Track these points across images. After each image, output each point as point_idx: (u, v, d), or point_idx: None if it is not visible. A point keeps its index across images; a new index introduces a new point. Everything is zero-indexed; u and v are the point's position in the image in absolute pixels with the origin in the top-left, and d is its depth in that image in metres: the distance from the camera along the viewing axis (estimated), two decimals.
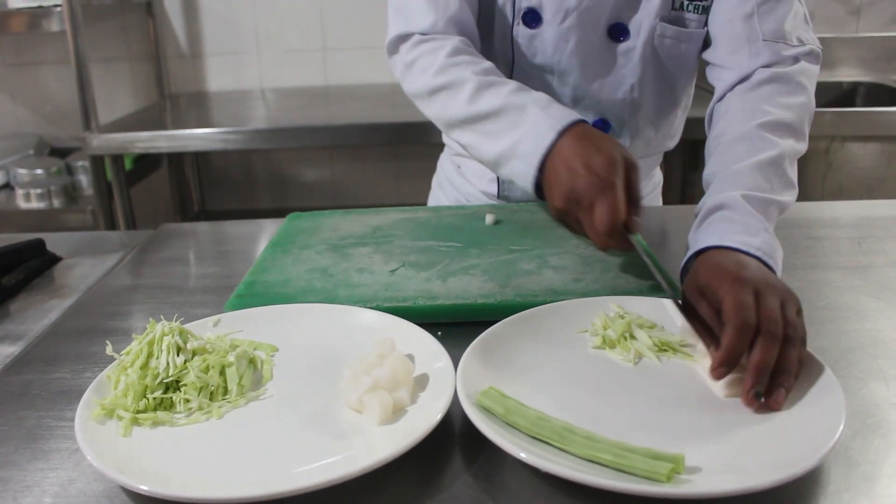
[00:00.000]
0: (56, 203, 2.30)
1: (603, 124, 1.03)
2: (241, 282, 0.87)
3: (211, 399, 0.64)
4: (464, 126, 0.94)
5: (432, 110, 0.98)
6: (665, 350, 0.69)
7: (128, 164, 2.35)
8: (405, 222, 1.05)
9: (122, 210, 2.20)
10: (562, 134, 0.84)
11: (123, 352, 0.67)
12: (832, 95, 2.58)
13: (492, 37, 1.02)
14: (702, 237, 0.76)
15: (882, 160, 2.13)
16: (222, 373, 0.65)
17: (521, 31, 0.99)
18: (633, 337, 0.71)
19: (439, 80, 0.95)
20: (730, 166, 0.84)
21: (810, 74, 0.96)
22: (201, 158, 2.81)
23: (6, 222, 2.36)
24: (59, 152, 2.70)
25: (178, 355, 0.65)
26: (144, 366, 0.64)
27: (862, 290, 0.86)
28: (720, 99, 0.98)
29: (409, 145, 2.65)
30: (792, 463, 0.52)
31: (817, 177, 2.14)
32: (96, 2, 2.38)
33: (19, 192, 2.30)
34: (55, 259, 1.09)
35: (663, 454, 0.53)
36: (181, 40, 2.68)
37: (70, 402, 0.67)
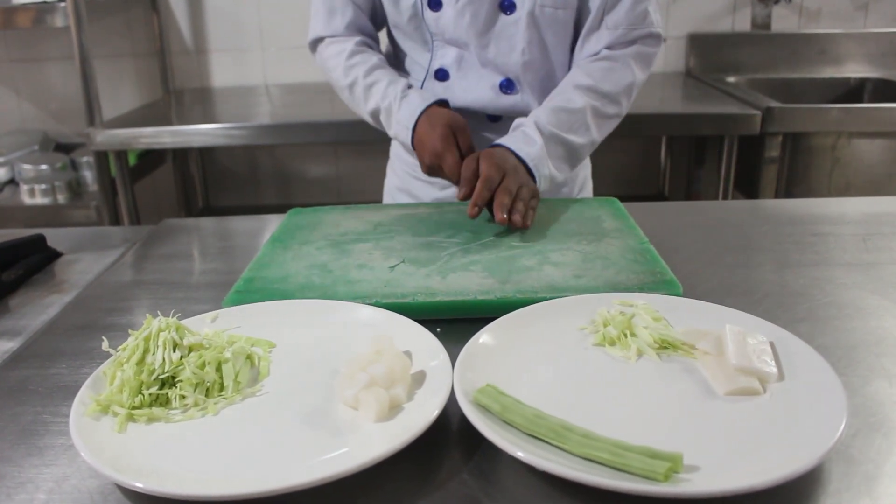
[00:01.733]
0: (60, 199, 2.31)
1: (508, 83, 1.19)
2: (240, 277, 0.87)
3: (207, 395, 0.63)
4: (367, 117, 1.23)
5: (347, 105, 1.26)
6: (665, 347, 0.68)
7: (132, 160, 2.36)
8: (406, 218, 1.04)
9: (126, 206, 2.20)
10: (417, 121, 1.12)
11: (120, 347, 0.67)
12: (839, 91, 2.57)
13: (411, 21, 1.19)
14: (503, 140, 1.09)
15: (889, 157, 2.11)
16: (218, 369, 0.65)
17: (428, 15, 1.17)
18: (632, 334, 0.70)
19: (343, 80, 1.22)
20: (538, 108, 1.13)
21: (644, 55, 1.16)
22: (205, 154, 2.81)
23: (11, 218, 2.37)
24: (64, 148, 2.70)
25: (174, 351, 0.65)
26: (140, 362, 0.64)
27: (866, 287, 0.85)
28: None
29: None
30: (792, 462, 0.51)
31: (824, 173, 2.13)
32: None
33: (23, 187, 2.30)
34: (56, 255, 1.09)
35: (661, 453, 0.52)
36: (185, 36, 2.67)
37: (66, 398, 0.67)
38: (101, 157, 2.17)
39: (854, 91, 2.56)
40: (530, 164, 1.06)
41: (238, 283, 0.85)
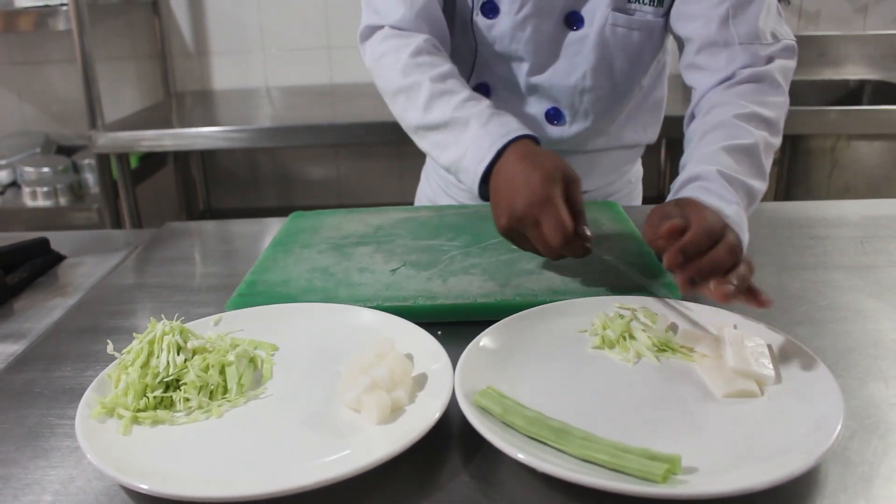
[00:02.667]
0: (62, 201, 2.32)
1: (555, 112, 1.05)
2: (242, 281, 0.88)
3: (211, 398, 0.64)
4: (419, 132, 0.98)
5: (395, 111, 1.02)
6: (664, 350, 0.69)
7: (133, 163, 2.37)
8: (407, 222, 1.05)
9: (128, 208, 2.21)
10: (501, 152, 0.85)
11: (124, 350, 0.67)
12: (838, 94, 2.58)
13: (454, 26, 1.05)
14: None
15: (889, 159, 2.12)
16: (222, 372, 0.66)
17: (480, 21, 1.02)
18: (632, 337, 0.71)
19: (400, 81, 0.97)
20: (705, 149, 0.87)
21: (786, 70, 0.97)
22: (207, 157, 2.82)
23: (13, 220, 2.38)
24: (66, 150, 2.71)
25: (178, 354, 0.65)
26: (145, 364, 0.65)
27: (864, 290, 0.86)
28: (699, 100, 0.99)
29: (415, 144, 2.65)
30: (789, 463, 0.52)
31: (823, 175, 2.14)
32: (102, 0, 2.39)
33: (25, 190, 2.31)
34: (59, 258, 1.09)
35: (660, 455, 0.53)
36: (187, 39, 2.68)
37: (72, 400, 0.68)
38: (103, 159, 2.18)
39: (853, 93, 2.57)
40: (738, 231, 0.75)
41: (240, 287, 0.86)
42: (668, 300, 0.77)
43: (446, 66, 0.98)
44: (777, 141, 0.92)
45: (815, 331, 0.77)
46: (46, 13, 2.17)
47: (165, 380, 0.64)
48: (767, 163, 0.89)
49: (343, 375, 0.65)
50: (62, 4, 2.12)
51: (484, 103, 0.93)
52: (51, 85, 2.75)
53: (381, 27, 1.03)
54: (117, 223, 2.26)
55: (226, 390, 0.65)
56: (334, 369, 0.68)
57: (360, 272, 0.88)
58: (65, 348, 0.79)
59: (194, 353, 0.67)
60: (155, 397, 0.63)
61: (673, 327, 0.73)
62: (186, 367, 0.65)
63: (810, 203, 1.18)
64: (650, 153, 2.80)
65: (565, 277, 0.84)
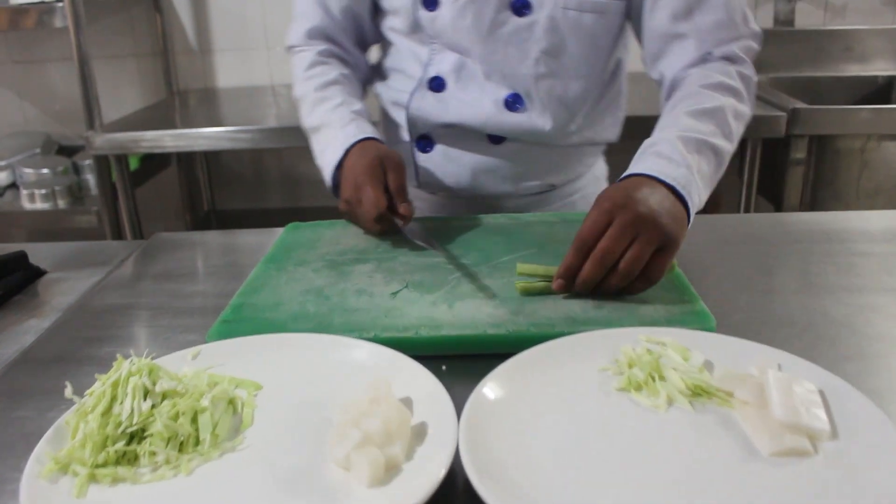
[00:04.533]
0: (61, 204, 2.25)
1: (514, 98, 1.03)
2: (228, 304, 0.80)
3: (180, 451, 0.56)
4: (309, 137, 1.09)
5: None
6: (699, 394, 0.61)
7: (135, 163, 2.30)
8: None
9: (127, 211, 2.14)
10: (348, 151, 0.99)
11: (87, 392, 0.60)
12: (867, 91, 2.47)
13: (406, 23, 1.05)
14: (629, 169, 0.84)
15: None
16: (194, 420, 0.58)
17: (423, 15, 1.02)
18: (661, 377, 0.62)
19: (296, 93, 1.11)
20: (668, 116, 0.92)
21: (751, 51, 1.00)
22: (211, 157, 2.75)
23: (12, 223, 2.32)
24: (67, 151, 2.64)
25: (144, 399, 0.58)
26: (107, 411, 0.57)
27: None
28: (669, 84, 1.01)
29: None
30: None
31: (851, 178, 2.04)
32: None
33: (23, 192, 2.25)
34: (39, 272, 1.02)
35: None
36: (189, 36, 2.61)
37: (29, 447, 0.60)
38: (102, 161, 2.11)
39: (882, 90, 2.46)
40: (682, 192, 0.79)
41: (226, 311, 0.78)
42: (700, 332, 0.68)
43: (333, 73, 1.09)
44: (746, 109, 0.95)
45: (866, 367, 0.68)
46: (45, 10, 2.10)
47: (129, 430, 0.56)
48: (737, 126, 0.92)
49: (333, 426, 0.57)
50: (58, 1, 2.05)
51: (348, 109, 1.04)
52: (51, 84, 2.68)
53: (291, 48, 1.16)
54: (117, 226, 2.19)
55: (198, 441, 0.57)
56: (323, 414, 0.60)
57: (357, 295, 0.80)
58: (29, 383, 0.72)
59: (164, 397, 0.59)
60: (116, 451, 0.55)
61: (708, 366, 0.65)
62: (153, 414, 0.57)
63: (849, 214, 1.08)
64: None
65: (585, 304, 0.75)
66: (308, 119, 1.08)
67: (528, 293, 0.78)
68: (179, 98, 2.58)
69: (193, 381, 0.63)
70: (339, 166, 1.00)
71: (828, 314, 0.78)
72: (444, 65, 1.04)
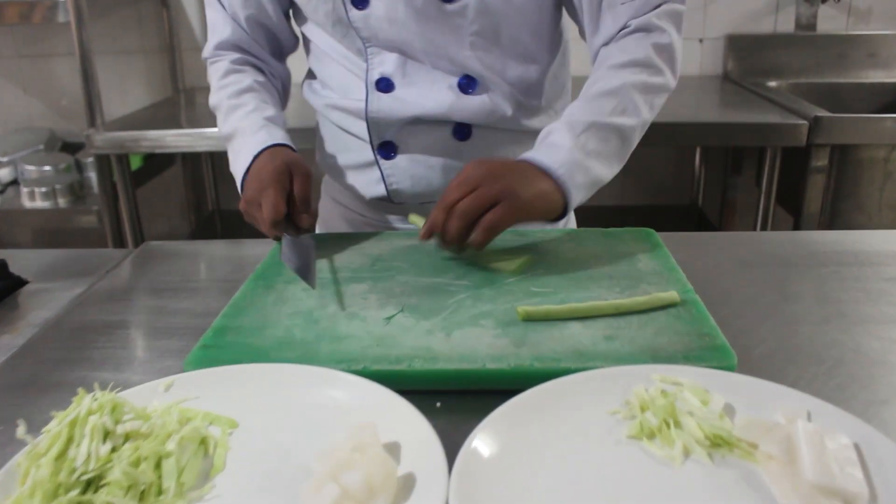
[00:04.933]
0: (61, 203, 2.21)
1: (467, 81, 1.00)
2: (210, 326, 0.74)
3: (141, 501, 0.50)
4: (226, 145, 1.06)
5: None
6: (719, 445, 0.55)
7: (138, 162, 2.25)
8: (411, 252, 0.91)
9: (128, 212, 2.09)
10: (257, 156, 0.97)
11: (44, 430, 0.54)
12: (889, 98, 2.39)
13: (337, 28, 1.01)
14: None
15: None
16: (158, 466, 0.52)
17: (354, 15, 0.98)
18: (677, 424, 0.56)
19: (210, 101, 1.10)
20: (575, 99, 0.94)
21: (674, 13, 0.97)
22: (216, 156, 2.69)
23: (14, 222, 2.28)
24: (72, 147, 2.60)
25: (104, 442, 0.52)
26: (61, 455, 0.51)
27: None
28: (593, 65, 1.00)
29: None
30: None
31: (874, 189, 1.96)
32: None
33: (24, 190, 2.21)
34: (19, 283, 0.97)
35: None
36: (197, 32, 2.56)
37: None
38: (103, 159, 2.06)
39: None
40: (558, 173, 0.85)
41: (206, 336, 0.72)
42: (720, 372, 0.62)
43: (247, 81, 1.07)
44: (659, 80, 0.94)
45: None
46: (49, 5, 2.05)
47: (84, 477, 0.50)
48: (646, 98, 0.92)
49: (310, 477, 0.51)
50: None
51: (260, 115, 1.03)
52: (57, 79, 2.64)
53: (205, 59, 1.15)
54: (118, 226, 2.15)
55: (161, 490, 0.51)
56: (301, 460, 0.54)
57: (348, 320, 0.74)
58: None
59: (126, 438, 0.53)
60: (70, 500, 0.49)
61: (728, 410, 0.59)
62: (112, 460, 0.51)
63: (881, 234, 1.01)
64: (685, 159, 2.65)
65: (594, 335, 0.69)
66: (222, 127, 1.07)
67: (531, 319, 0.72)
68: (185, 96, 2.54)
69: (163, 416, 0.57)
70: (248, 171, 0.98)
71: (860, 349, 0.72)
72: (386, 65, 1.00)
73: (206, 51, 1.14)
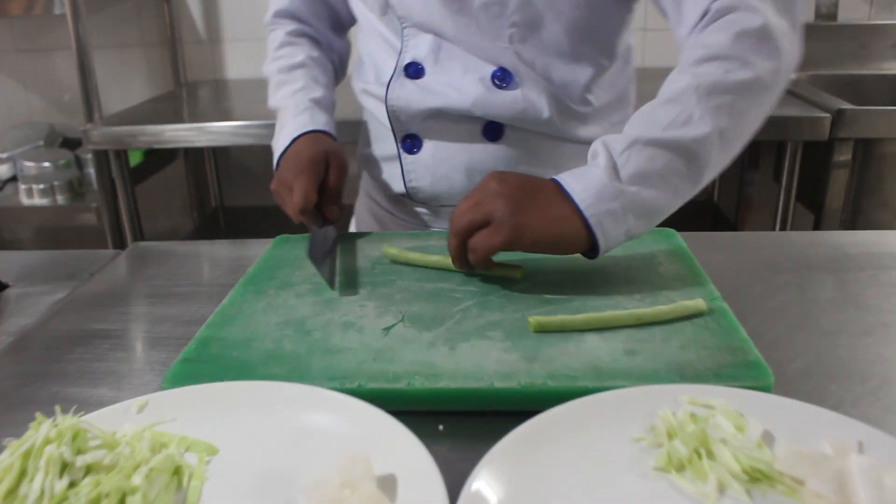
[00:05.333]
0: (59, 199, 2.15)
1: (502, 74, 0.91)
2: (194, 336, 0.68)
3: None
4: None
5: None
6: (758, 479, 0.48)
7: (138, 158, 2.20)
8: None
9: (127, 209, 2.03)
10: (297, 138, 0.95)
11: None
12: None
13: (376, 2, 0.96)
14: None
15: None
16: (122, 502, 0.46)
17: None
18: (710, 454, 0.50)
19: (263, 70, 1.08)
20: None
21: None
22: (220, 151, 2.64)
23: (13, 219, 2.23)
24: (72, 143, 2.55)
25: (60, 477, 0.46)
26: (11, 491, 0.45)
27: None
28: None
29: None
30: None
31: None
32: None
33: (22, 186, 2.15)
34: (0, 286, 0.91)
35: None
36: (198, 24, 2.50)
37: None
38: (101, 155, 2.01)
39: None
40: (580, 197, 0.70)
41: (188, 348, 0.66)
42: (756, 392, 0.56)
43: (300, 56, 1.05)
44: (745, 73, 0.73)
45: None
46: None
47: None
48: (718, 102, 0.72)
49: None
50: None
51: (306, 96, 1.00)
52: (57, 73, 2.59)
53: (265, 26, 1.12)
54: (117, 224, 2.09)
55: None
56: (287, 495, 0.48)
57: (343, 330, 0.68)
58: None
59: (87, 471, 0.47)
60: None
61: (767, 438, 0.52)
62: (68, 497, 0.45)
63: None
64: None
65: (613, 349, 0.63)
66: (271, 100, 1.05)
67: (544, 330, 0.65)
68: (187, 90, 2.48)
69: (133, 443, 0.51)
70: (286, 151, 0.96)
71: None
72: (420, 48, 0.93)
73: (266, 18, 1.12)
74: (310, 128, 0.96)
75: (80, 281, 0.92)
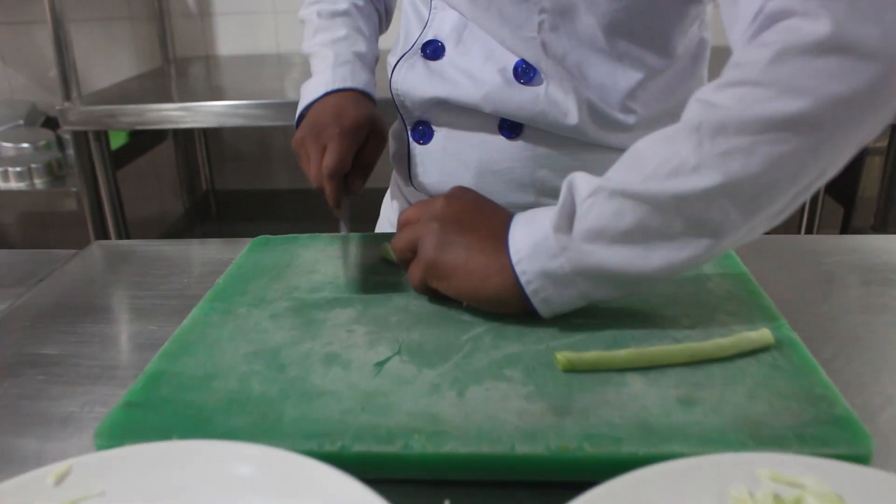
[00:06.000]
0: (38, 183, 2.02)
1: (525, 68, 0.77)
2: (142, 372, 0.56)
3: None
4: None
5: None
6: None
7: (123, 139, 2.06)
8: None
9: (108, 194, 1.90)
10: (333, 92, 0.84)
11: None
12: None
13: None
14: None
15: None
16: None
17: None
18: None
19: (300, 14, 0.96)
20: None
21: None
22: (210, 132, 2.51)
23: None
24: (55, 123, 2.41)
25: None
26: None
27: None
28: None
29: None
30: None
31: None
32: None
33: None
34: None
35: None
36: None
37: None
38: (81, 136, 1.87)
39: None
40: (512, 250, 0.58)
41: (133, 388, 0.53)
42: (856, 467, 0.43)
43: (343, 4, 0.93)
44: (783, 105, 0.51)
45: None
46: None
47: None
48: (714, 145, 0.52)
49: None
50: None
51: (350, 48, 0.89)
52: (38, 48, 2.45)
53: None
54: (99, 209, 1.96)
55: None
56: None
57: (326, 365, 0.55)
58: None
59: None
60: None
61: None
62: None
63: None
64: None
65: (664, 396, 0.50)
66: (306, 44, 0.93)
67: (575, 370, 0.53)
68: (176, 66, 2.34)
69: None
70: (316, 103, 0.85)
71: None
72: (444, 24, 0.80)
73: None
74: (349, 84, 0.85)
75: (25, 288, 0.79)
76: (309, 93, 0.86)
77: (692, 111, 0.56)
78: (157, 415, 0.50)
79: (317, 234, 0.81)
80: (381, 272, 0.71)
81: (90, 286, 0.79)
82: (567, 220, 0.56)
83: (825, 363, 0.56)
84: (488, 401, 0.50)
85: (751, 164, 0.52)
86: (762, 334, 0.55)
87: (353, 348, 0.57)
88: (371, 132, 0.81)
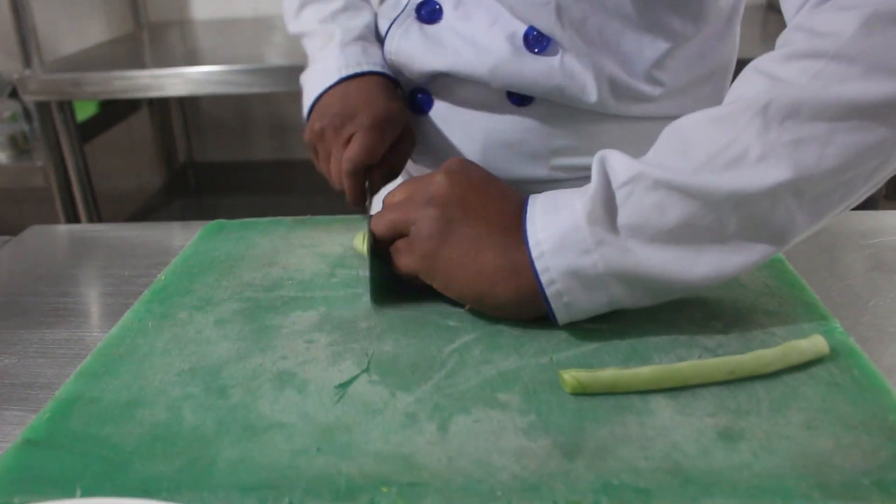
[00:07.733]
0: (2, 157, 1.89)
1: (537, 36, 0.65)
2: (52, 397, 0.45)
3: None
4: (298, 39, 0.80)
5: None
6: None
7: (93, 109, 1.94)
8: None
9: (75, 168, 1.78)
10: (355, 76, 0.71)
11: None
12: None
13: None
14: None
15: None
16: None
17: None
18: None
19: None
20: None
21: None
22: (187, 100, 2.38)
23: None
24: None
25: None
26: None
27: None
28: None
29: None
30: None
31: None
32: None
33: None
34: None
35: None
36: None
37: None
38: (45, 107, 1.75)
39: None
40: (536, 265, 0.46)
41: (37, 419, 0.43)
42: None
43: None
44: (864, 87, 0.42)
45: None
46: None
47: None
48: (783, 133, 0.43)
49: None
50: None
51: (354, 22, 0.74)
52: (3, 12, 2.30)
53: None
54: (67, 185, 1.84)
55: None
56: None
57: (277, 387, 0.44)
58: None
59: None
60: None
61: None
62: None
63: None
64: None
65: (700, 428, 0.39)
66: (294, 24, 0.80)
67: (586, 392, 0.42)
68: (149, 32, 2.21)
69: None
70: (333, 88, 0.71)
71: None
72: None
73: None
74: (365, 68, 0.71)
75: None
76: (318, 80, 0.73)
77: (755, 86, 0.45)
78: (62, 457, 0.40)
79: (280, 217, 0.70)
80: (351, 265, 0.60)
81: (15, 281, 0.68)
82: (603, 209, 0.45)
83: (888, 373, 0.46)
84: (478, 437, 0.39)
85: (826, 157, 0.42)
86: (815, 342, 0.45)
87: (312, 364, 0.46)
88: (405, 130, 0.69)
